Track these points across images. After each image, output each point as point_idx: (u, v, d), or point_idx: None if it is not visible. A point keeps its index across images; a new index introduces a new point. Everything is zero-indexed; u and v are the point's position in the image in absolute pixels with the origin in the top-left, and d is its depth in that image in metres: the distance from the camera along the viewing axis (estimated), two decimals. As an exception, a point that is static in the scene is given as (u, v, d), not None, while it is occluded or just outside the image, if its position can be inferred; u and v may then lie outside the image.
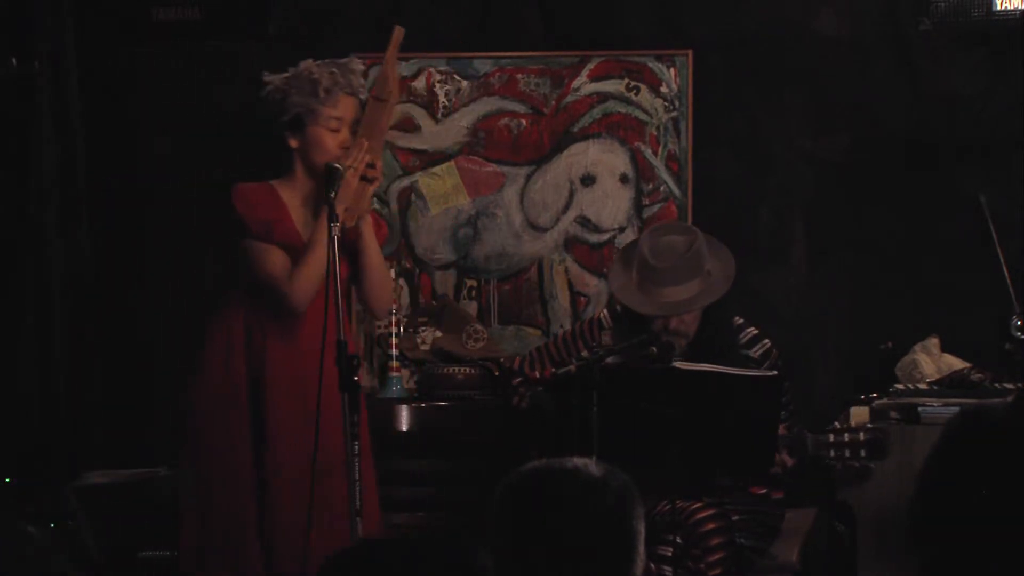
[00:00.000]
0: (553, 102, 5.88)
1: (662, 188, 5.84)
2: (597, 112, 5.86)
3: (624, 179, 5.86)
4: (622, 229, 5.85)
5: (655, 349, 4.48)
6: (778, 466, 4.43)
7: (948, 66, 5.67)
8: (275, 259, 4.38)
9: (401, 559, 2.05)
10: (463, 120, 5.91)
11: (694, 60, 5.80)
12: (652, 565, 4.44)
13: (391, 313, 5.60)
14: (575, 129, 5.87)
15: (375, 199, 5.93)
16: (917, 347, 5.44)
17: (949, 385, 5.06)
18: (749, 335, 4.74)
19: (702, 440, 4.26)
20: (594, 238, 5.88)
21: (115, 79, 5.95)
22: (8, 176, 5.74)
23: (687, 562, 4.50)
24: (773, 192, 5.82)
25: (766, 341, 4.74)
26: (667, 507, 4.50)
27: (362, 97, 4.47)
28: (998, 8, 5.49)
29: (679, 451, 4.22)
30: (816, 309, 5.78)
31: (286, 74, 4.45)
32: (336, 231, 4.11)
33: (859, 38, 5.74)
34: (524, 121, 5.89)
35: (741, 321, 4.77)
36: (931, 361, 5.38)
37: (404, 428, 5.41)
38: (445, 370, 5.56)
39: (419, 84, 5.91)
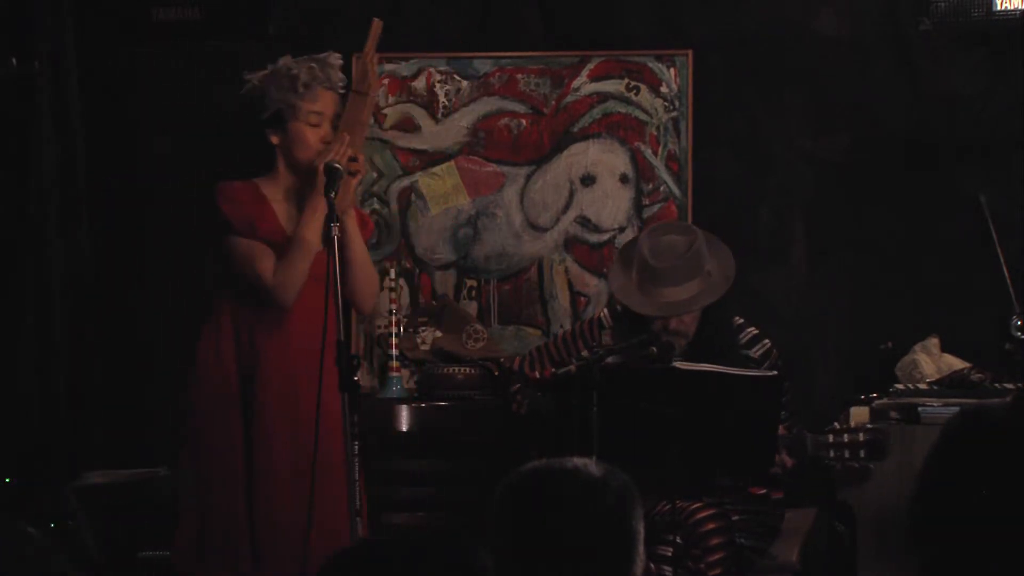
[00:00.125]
0: (553, 102, 5.88)
1: (662, 188, 5.84)
2: (597, 112, 5.86)
3: (624, 179, 5.86)
4: (622, 229, 5.85)
5: (655, 349, 4.48)
6: (778, 466, 4.43)
7: (948, 66, 5.67)
8: (260, 255, 4.39)
9: (401, 559, 2.05)
10: (463, 120, 5.91)
11: (694, 60, 5.80)
12: (652, 565, 4.44)
13: (391, 313, 5.60)
14: (575, 129, 5.87)
15: (375, 199, 5.94)
16: (917, 347, 5.44)
17: (949, 385, 5.06)
18: (749, 335, 4.74)
19: (702, 440, 4.26)
20: (594, 238, 5.88)
21: (115, 79, 5.95)
22: (8, 176, 5.74)
23: (687, 562, 4.50)
24: (773, 192, 5.82)
25: (766, 341, 4.74)
26: (667, 507, 4.50)
27: (341, 91, 4.48)
28: (998, 8, 5.49)
29: (679, 451, 4.22)
30: (816, 309, 5.78)
31: (265, 71, 4.47)
32: (336, 231, 4.12)
33: (859, 38, 5.74)
34: (524, 121, 5.89)
35: (741, 321, 4.77)
36: (931, 361, 5.38)
37: (404, 428, 5.41)
38: (445, 370, 5.56)
39: (419, 84, 5.91)
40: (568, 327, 5.50)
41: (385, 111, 5.91)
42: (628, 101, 5.84)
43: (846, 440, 4.43)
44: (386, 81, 5.90)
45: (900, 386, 5.08)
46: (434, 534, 2.11)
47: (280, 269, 4.35)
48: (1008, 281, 5.12)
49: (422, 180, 5.93)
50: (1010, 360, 5.08)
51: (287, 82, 4.42)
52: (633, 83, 5.84)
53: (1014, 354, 5.05)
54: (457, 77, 5.91)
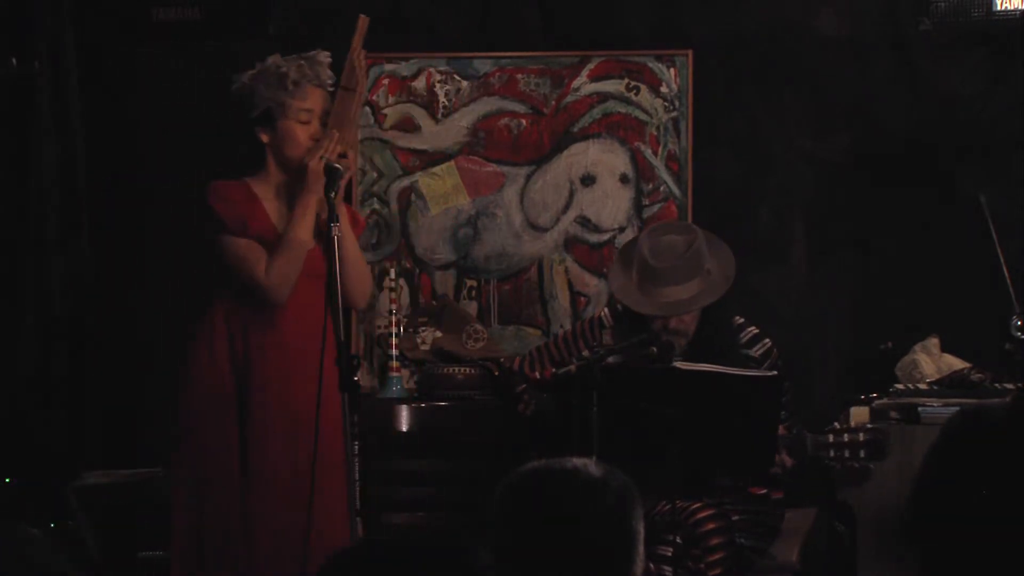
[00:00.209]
0: (553, 102, 5.88)
1: (662, 188, 5.84)
2: (597, 112, 5.86)
3: (624, 179, 5.86)
4: (622, 229, 5.85)
5: (655, 349, 4.48)
6: (778, 466, 4.43)
7: (948, 66, 5.67)
8: (252, 252, 4.39)
9: (401, 559, 2.05)
10: (463, 120, 5.91)
11: (694, 60, 5.80)
12: (652, 565, 4.44)
13: (391, 313, 5.60)
14: (575, 129, 5.87)
15: (375, 199, 5.93)
16: (917, 347, 5.44)
17: (949, 385, 5.06)
18: (750, 335, 4.74)
19: (702, 440, 4.26)
20: (594, 238, 5.88)
21: (115, 79, 5.95)
22: (8, 176, 5.74)
23: (687, 562, 4.50)
24: (773, 192, 5.82)
25: (766, 341, 4.74)
26: (667, 507, 4.50)
27: (330, 89, 4.48)
28: (998, 8, 5.49)
29: (679, 451, 4.22)
30: (816, 309, 5.78)
31: (253, 70, 4.47)
32: (336, 231, 4.12)
33: (859, 38, 5.74)
34: (524, 121, 5.89)
35: (742, 320, 4.77)
36: (931, 361, 5.38)
37: (404, 428, 5.41)
38: (445, 370, 5.55)
39: (419, 84, 5.91)
40: (568, 327, 5.51)
41: (385, 111, 5.91)
42: (628, 101, 5.84)
43: (846, 440, 4.43)
44: (386, 81, 5.91)
45: (900, 386, 5.08)
46: (434, 534, 2.11)
47: (272, 267, 4.36)
48: (1008, 281, 5.12)
49: (422, 180, 5.93)
50: (1010, 360, 5.08)
51: (276, 80, 4.42)
52: (633, 83, 5.84)
53: (1014, 354, 5.05)
54: (457, 77, 5.91)
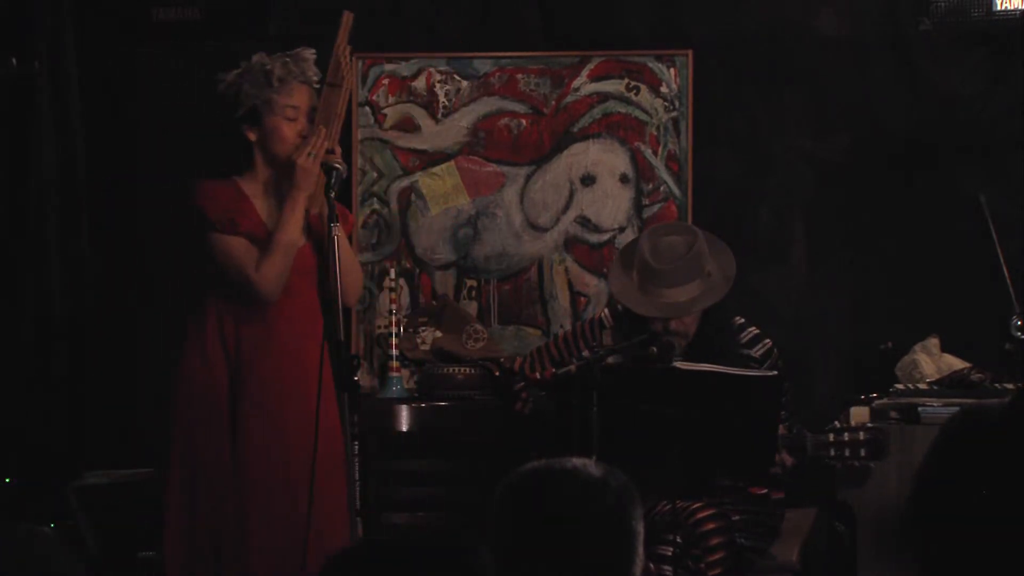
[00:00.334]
0: (553, 102, 5.88)
1: (662, 188, 5.84)
2: (597, 112, 5.86)
3: (624, 179, 5.86)
4: (622, 229, 5.85)
5: (655, 349, 4.48)
6: (778, 466, 4.43)
7: (948, 66, 5.67)
8: (242, 250, 4.39)
9: (401, 559, 2.05)
10: (463, 120, 5.91)
11: (694, 60, 5.80)
12: (652, 565, 4.44)
13: (391, 313, 5.60)
14: (575, 129, 5.87)
15: (375, 199, 5.93)
16: (917, 347, 5.44)
17: (949, 385, 5.06)
18: (750, 335, 4.74)
19: (702, 440, 4.26)
20: (594, 238, 5.88)
21: (115, 79, 5.95)
22: (8, 176, 5.74)
23: (687, 562, 4.50)
24: (773, 192, 5.82)
25: (767, 341, 4.74)
26: (667, 507, 4.50)
27: (316, 85, 4.48)
28: (998, 8, 5.49)
29: (679, 451, 4.22)
30: (816, 309, 5.78)
31: (238, 69, 4.47)
32: (336, 231, 4.12)
33: (859, 38, 5.74)
34: (524, 121, 5.89)
35: (742, 321, 4.77)
36: (931, 361, 5.38)
37: (404, 428, 5.41)
38: (445, 370, 5.55)
39: (419, 84, 5.91)
40: (568, 327, 5.51)
41: (385, 111, 5.91)
42: (628, 101, 5.84)
43: (846, 439, 4.43)
44: (386, 81, 5.91)
45: (900, 386, 5.08)
46: (434, 534, 2.11)
47: (263, 266, 4.36)
48: (1008, 281, 5.12)
49: (422, 180, 5.93)
50: (1010, 360, 5.08)
51: (262, 77, 4.43)
52: (633, 83, 5.84)
53: (1014, 354, 5.05)
54: (457, 77, 5.91)
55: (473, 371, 5.53)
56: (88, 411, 5.82)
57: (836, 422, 4.58)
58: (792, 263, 5.81)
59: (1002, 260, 5.13)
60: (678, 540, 4.45)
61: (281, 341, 4.38)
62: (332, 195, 4.19)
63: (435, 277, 5.92)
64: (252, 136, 4.47)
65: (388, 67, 5.90)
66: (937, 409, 4.78)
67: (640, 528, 2.45)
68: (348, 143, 5.80)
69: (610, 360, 4.42)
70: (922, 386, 5.10)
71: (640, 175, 5.85)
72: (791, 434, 4.47)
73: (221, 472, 4.36)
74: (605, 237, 5.87)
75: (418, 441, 5.43)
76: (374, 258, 5.88)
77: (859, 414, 4.83)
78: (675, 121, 5.83)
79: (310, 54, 4.50)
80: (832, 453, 4.43)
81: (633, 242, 4.85)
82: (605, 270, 5.76)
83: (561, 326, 5.78)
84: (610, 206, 5.87)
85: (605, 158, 5.86)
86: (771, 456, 4.36)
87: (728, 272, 4.65)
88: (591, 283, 5.88)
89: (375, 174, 5.91)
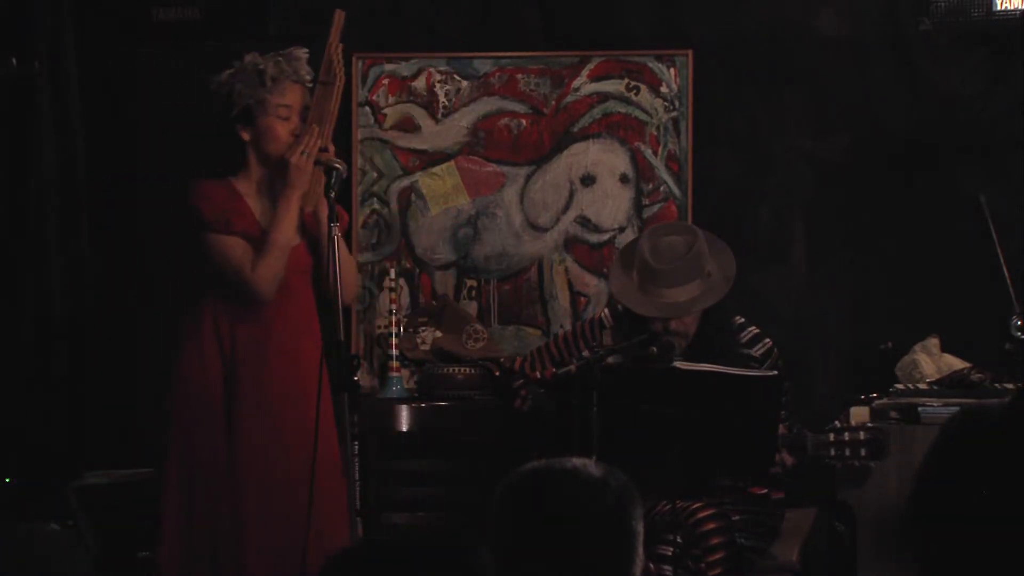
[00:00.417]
0: (553, 102, 5.88)
1: (662, 188, 5.84)
2: (597, 112, 5.86)
3: (624, 179, 5.86)
4: (622, 229, 5.85)
5: (655, 349, 4.48)
6: (778, 466, 4.43)
7: (948, 66, 5.67)
8: (238, 250, 4.39)
9: (401, 559, 2.05)
10: (463, 120, 5.91)
11: (694, 60, 5.80)
12: (652, 565, 4.44)
13: (391, 313, 5.60)
14: (575, 129, 5.87)
15: (375, 199, 5.93)
16: (917, 347, 5.44)
17: (949, 385, 5.06)
18: (750, 334, 4.74)
19: (702, 440, 4.26)
20: (594, 238, 5.88)
21: (115, 79, 5.95)
22: (8, 176, 5.74)
23: (687, 562, 4.50)
24: (773, 192, 5.82)
25: (767, 340, 4.74)
26: (667, 507, 4.50)
27: (308, 84, 4.48)
28: (998, 8, 5.49)
29: (679, 451, 4.22)
30: (816, 309, 5.77)
31: (231, 69, 4.47)
32: (336, 231, 4.12)
33: (859, 38, 5.74)
34: (524, 121, 5.89)
35: (742, 320, 4.77)
36: (931, 361, 5.38)
37: (404, 428, 5.41)
38: (445, 370, 5.55)
39: (419, 84, 5.91)
40: (568, 327, 5.51)
41: (385, 111, 5.91)
42: (628, 101, 5.84)
43: (846, 439, 4.43)
44: (386, 81, 5.91)
45: (900, 386, 5.08)
46: (434, 534, 2.11)
47: (259, 266, 4.36)
48: (1008, 281, 5.12)
49: (422, 180, 5.93)
50: (1010, 360, 5.08)
51: (255, 77, 4.43)
52: (633, 83, 5.84)
53: (1014, 354, 5.05)
54: (457, 77, 5.91)
55: (473, 371, 5.53)
56: (88, 411, 5.82)
57: (836, 422, 4.58)
58: (792, 263, 5.81)
59: (1002, 260, 5.13)
60: (678, 540, 4.45)
61: (277, 340, 4.38)
62: (332, 195, 4.19)
63: (435, 277, 5.92)
64: (246, 136, 4.47)
65: (388, 67, 5.90)
66: (937, 409, 4.78)
67: (640, 528, 2.45)
68: (348, 143, 5.81)
69: (610, 360, 4.42)
70: (922, 386, 5.10)
71: (640, 175, 5.85)
72: (791, 434, 4.47)
73: (218, 472, 4.35)
74: (605, 237, 5.87)
75: (418, 441, 5.43)
76: (374, 258, 5.88)
77: (859, 414, 4.83)
78: (675, 121, 5.83)
79: (303, 53, 4.50)
80: (832, 453, 4.43)
81: (633, 242, 4.85)
82: (605, 270, 5.76)
83: (561, 326, 5.78)
84: (610, 206, 5.87)
85: (605, 158, 5.86)
86: (771, 456, 4.36)
87: (728, 272, 4.65)
88: (591, 283, 5.88)
89: (375, 174, 5.91)
